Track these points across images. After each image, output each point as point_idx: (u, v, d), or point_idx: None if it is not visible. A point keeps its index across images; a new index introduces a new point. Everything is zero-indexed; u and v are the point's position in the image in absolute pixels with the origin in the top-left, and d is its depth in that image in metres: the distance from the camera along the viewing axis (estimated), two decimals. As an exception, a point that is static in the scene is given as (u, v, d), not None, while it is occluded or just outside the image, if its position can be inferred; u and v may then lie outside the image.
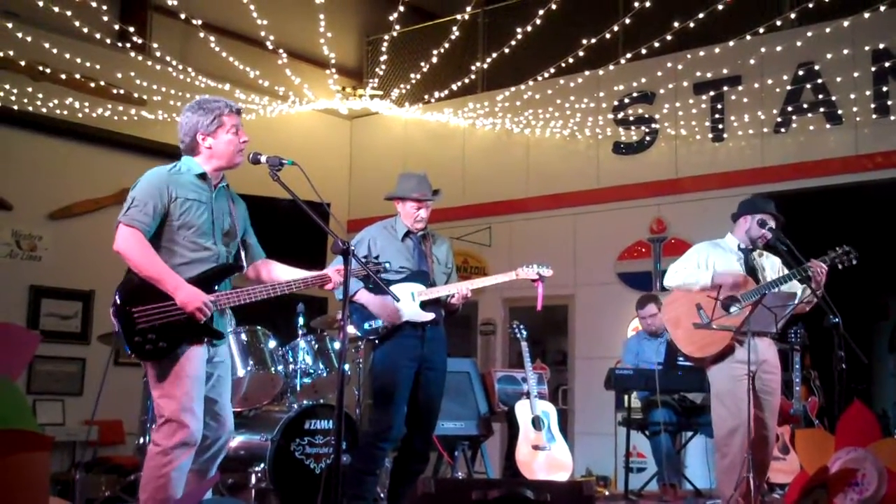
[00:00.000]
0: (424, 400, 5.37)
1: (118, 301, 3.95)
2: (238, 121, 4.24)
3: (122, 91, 10.04)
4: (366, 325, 5.33)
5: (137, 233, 3.97)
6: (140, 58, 10.10)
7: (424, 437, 5.43)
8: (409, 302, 5.29)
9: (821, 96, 9.27)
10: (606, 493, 8.34)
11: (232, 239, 4.26)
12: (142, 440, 6.46)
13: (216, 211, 4.20)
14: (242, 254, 4.36)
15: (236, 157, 4.24)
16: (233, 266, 4.25)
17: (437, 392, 5.47)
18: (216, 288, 4.12)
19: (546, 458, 7.00)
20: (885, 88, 8.92)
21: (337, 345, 6.47)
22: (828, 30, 9.15)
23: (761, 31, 9.33)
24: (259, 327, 6.31)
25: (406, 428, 5.33)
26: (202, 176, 4.19)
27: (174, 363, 3.97)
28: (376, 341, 5.40)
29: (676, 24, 9.25)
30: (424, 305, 5.34)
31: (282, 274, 4.39)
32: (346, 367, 3.98)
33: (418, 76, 11.11)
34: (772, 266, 5.83)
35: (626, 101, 10.47)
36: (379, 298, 5.21)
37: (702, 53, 9.80)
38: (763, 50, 9.49)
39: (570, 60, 10.00)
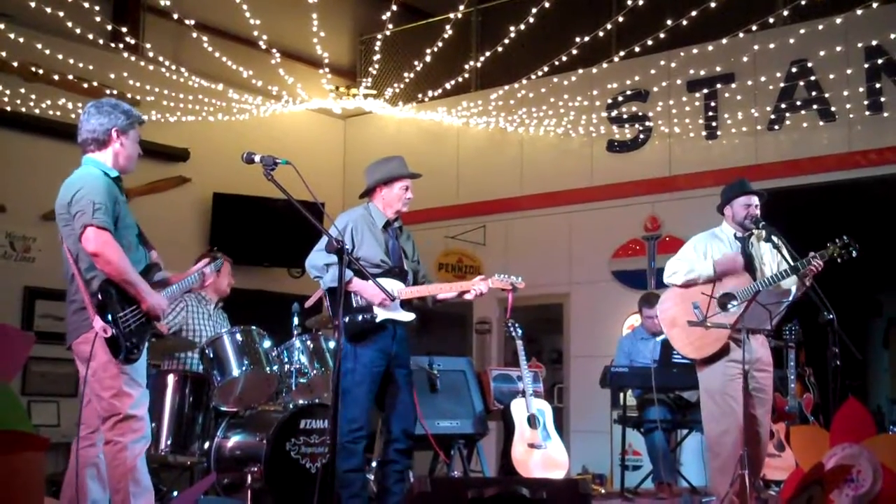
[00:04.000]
0: (402, 398, 5.35)
1: (104, 307, 4.05)
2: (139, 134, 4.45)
3: (115, 92, 10.00)
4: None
5: (111, 236, 4.07)
6: (133, 58, 10.08)
7: (408, 434, 5.40)
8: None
9: (814, 93, 9.29)
10: (602, 490, 8.35)
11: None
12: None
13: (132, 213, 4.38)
14: (154, 253, 4.50)
15: (133, 164, 4.42)
16: (155, 265, 4.43)
17: (411, 389, 5.48)
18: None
19: (542, 456, 6.99)
20: (878, 85, 8.93)
21: (332, 344, 6.47)
22: (820, 27, 9.17)
23: (754, 28, 9.34)
24: (254, 327, 6.30)
25: (389, 427, 5.31)
26: (117, 179, 4.33)
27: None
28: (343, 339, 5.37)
29: (669, 22, 9.26)
30: (402, 304, 5.32)
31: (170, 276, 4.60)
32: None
33: (412, 75, 11.10)
34: (771, 251, 5.81)
35: (620, 99, 10.47)
36: (371, 284, 5.15)
37: (695, 51, 9.81)
38: (756, 47, 9.51)
39: (564, 59, 10.00)
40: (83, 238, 4.06)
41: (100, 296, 4.04)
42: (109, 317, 4.00)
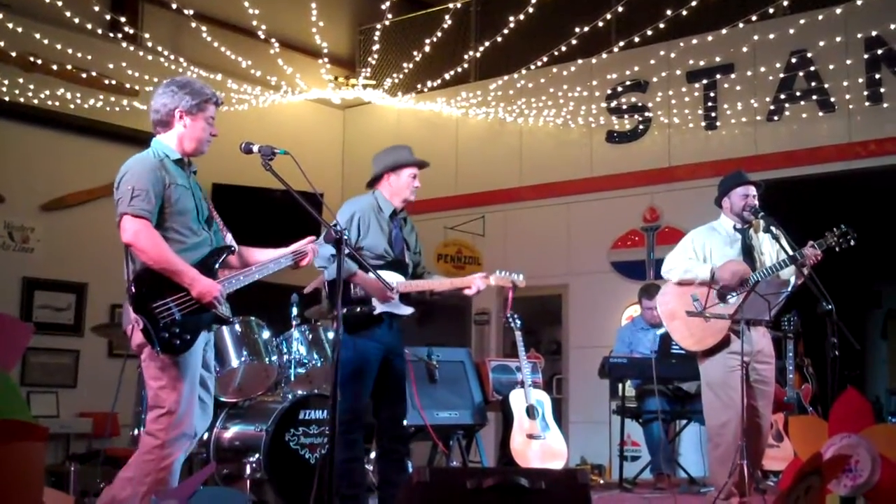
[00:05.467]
0: (393, 387, 5.34)
1: (138, 298, 3.87)
2: (215, 113, 4.24)
3: (113, 81, 10.00)
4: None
5: (147, 223, 3.90)
6: (132, 48, 10.06)
7: (398, 418, 5.39)
8: None
9: (813, 84, 9.28)
10: (601, 481, 8.37)
11: (210, 224, 4.23)
12: (136, 431, 6.45)
13: (196, 196, 4.18)
14: (229, 236, 4.33)
15: (205, 146, 4.22)
16: (225, 248, 4.22)
17: (404, 377, 5.49)
18: (215, 272, 4.11)
19: (541, 446, 7.00)
20: (877, 76, 8.93)
21: (331, 334, 6.46)
22: (820, 17, 9.15)
23: (754, 18, 9.33)
24: (253, 318, 6.30)
25: (380, 416, 5.32)
26: (179, 161, 4.16)
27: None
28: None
29: (669, 12, 9.25)
30: (400, 297, 5.30)
31: (259, 255, 4.36)
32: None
33: (411, 65, 11.08)
34: (769, 241, 5.79)
35: (619, 89, 10.46)
36: (374, 280, 5.15)
37: (694, 41, 9.80)
38: (756, 38, 9.49)
39: (563, 49, 9.99)
40: (120, 227, 3.92)
41: (133, 287, 3.88)
42: (141, 307, 3.85)
